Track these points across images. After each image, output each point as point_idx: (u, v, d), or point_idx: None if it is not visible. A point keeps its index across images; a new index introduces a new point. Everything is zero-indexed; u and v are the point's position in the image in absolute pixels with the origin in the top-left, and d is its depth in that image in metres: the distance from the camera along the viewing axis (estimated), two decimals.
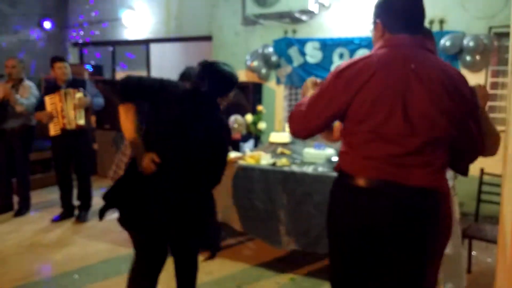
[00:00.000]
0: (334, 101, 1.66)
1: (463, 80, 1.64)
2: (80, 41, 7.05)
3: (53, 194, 5.33)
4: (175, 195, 2.15)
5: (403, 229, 1.63)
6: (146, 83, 2.21)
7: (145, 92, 2.17)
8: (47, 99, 4.39)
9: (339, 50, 4.69)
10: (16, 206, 4.82)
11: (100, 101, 4.62)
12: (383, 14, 1.72)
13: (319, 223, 3.49)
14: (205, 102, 2.21)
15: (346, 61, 1.72)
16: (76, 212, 4.67)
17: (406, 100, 1.57)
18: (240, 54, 5.54)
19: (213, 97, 2.23)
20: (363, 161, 1.66)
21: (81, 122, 4.38)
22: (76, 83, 4.52)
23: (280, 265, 3.48)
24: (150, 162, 2.11)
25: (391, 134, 1.60)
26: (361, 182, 1.65)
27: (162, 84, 2.20)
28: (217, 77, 2.22)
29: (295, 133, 1.82)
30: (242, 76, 5.59)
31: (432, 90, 1.56)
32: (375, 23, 1.75)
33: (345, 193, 1.72)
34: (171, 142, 2.15)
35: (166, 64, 6.82)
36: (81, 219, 4.56)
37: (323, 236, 3.44)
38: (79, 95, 4.37)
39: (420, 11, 1.68)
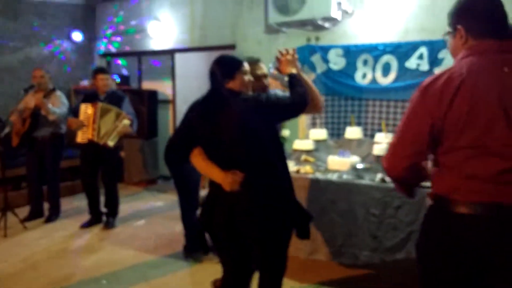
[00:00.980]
0: (427, 115, 1.51)
1: None
2: (108, 51, 7.23)
3: (81, 201, 5.47)
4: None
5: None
6: (177, 139, 2.42)
7: (185, 144, 2.33)
8: (83, 107, 4.51)
9: (363, 57, 4.66)
10: (46, 213, 4.95)
11: (135, 127, 4.68)
12: (465, 19, 1.58)
13: (343, 232, 3.47)
14: (222, 96, 2.20)
15: (428, 77, 1.57)
16: (104, 218, 4.77)
17: (506, 106, 1.42)
18: (263, 62, 5.57)
19: (224, 85, 2.21)
20: (464, 181, 1.50)
21: (111, 144, 4.48)
22: (115, 97, 4.63)
23: (302, 274, 3.46)
24: (232, 178, 2.13)
25: (495, 146, 1.44)
26: (462, 208, 1.48)
27: (185, 123, 2.35)
28: (216, 65, 2.26)
29: (389, 169, 1.65)
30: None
31: None
32: (455, 30, 1.61)
33: (443, 221, 1.55)
34: (220, 155, 2.20)
35: (190, 73, 6.92)
36: (109, 225, 4.66)
37: (347, 245, 3.42)
38: (127, 122, 4.49)
39: (503, 14, 1.56)
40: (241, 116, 2.12)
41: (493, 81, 1.46)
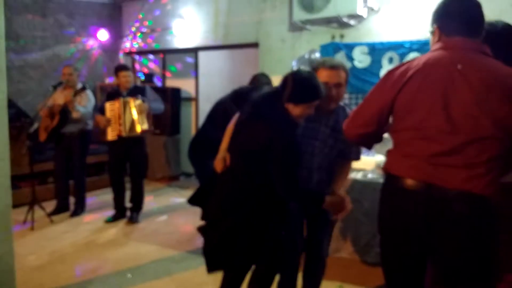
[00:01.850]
0: (381, 97, 1.73)
1: None
2: (133, 49, 7.32)
3: (106, 196, 5.56)
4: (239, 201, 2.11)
5: (441, 234, 1.60)
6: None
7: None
8: (108, 105, 4.60)
9: (388, 55, 4.60)
10: (72, 207, 5.05)
11: (158, 105, 4.81)
12: (439, 18, 1.74)
13: (368, 231, 3.43)
14: (273, 105, 2.12)
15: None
16: (128, 213, 4.84)
17: (448, 98, 1.58)
18: (286, 60, 5.56)
19: (292, 101, 2.10)
20: (404, 159, 1.68)
21: (145, 126, 4.57)
22: (137, 90, 4.75)
23: (327, 272, 3.44)
24: (221, 160, 2.25)
25: (431, 131, 1.60)
26: (403, 183, 1.66)
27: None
28: (302, 84, 2.12)
29: (346, 133, 1.89)
30: None
31: (478, 91, 1.55)
32: (433, 28, 1.78)
33: (390, 194, 1.75)
34: (234, 146, 2.25)
35: (214, 71, 6.95)
36: (133, 220, 4.73)
37: (372, 244, 3.38)
38: (138, 102, 4.56)
39: (476, 14, 1.68)
40: (269, 142, 2.03)
41: (442, 75, 1.60)
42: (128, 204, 4.87)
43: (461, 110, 1.56)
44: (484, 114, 1.54)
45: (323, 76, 2.27)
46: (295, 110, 2.11)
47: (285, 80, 2.14)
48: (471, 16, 1.68)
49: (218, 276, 3.37)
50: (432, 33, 1.79)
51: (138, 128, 4.53)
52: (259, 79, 3.80)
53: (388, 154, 1.80)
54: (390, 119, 1.79)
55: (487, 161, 1.56)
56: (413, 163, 1.65)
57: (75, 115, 4.68)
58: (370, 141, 1.91)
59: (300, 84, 2.10)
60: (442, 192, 1.57)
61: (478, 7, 1.68)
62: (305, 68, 2.35)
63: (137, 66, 7.35)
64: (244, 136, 2.16)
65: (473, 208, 1.56)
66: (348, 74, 2.37)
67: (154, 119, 5.34)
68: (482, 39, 1.68)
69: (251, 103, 2.21)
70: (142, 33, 7.17)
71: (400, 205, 1.68)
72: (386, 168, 1.78)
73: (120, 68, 4.72)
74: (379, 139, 1.93)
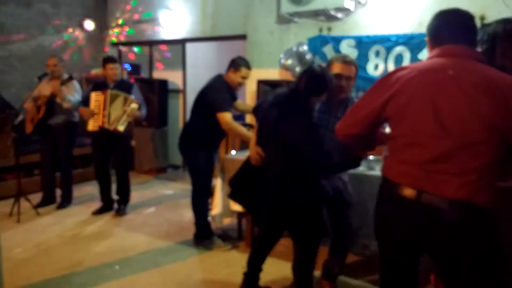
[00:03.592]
0: (373, 99, 1.75)
1: None
2: (119, 40, 7.25)
3: (92, 188, 5.53)
4: (276, 188, 2.54)
5: (434, 243, 1.62)
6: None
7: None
8: (93, 95, 4.55)
9: (375, 48, 4.64)
10: (58, 199, 5.02)
11: (144, 112, 4.74)
12: (431, 29, 1.78)
13: (354, 223, 3.46)
14: (299, 101, 2.51)
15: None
16: (115, 206, 4.83)
17: (439, 103, 1.58)
18: (274, 53, 5.57)
19: (307, 96, 2.51)
20: (399, 165, 1.69)
21: (121, 128, 4.50)
22: (124, 85, 4.68)
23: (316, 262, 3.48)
24: (255, 154, 2.66)
25: (422, 137, 1.61)
26: (396, 190, 1.68)
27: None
28: (313, 78, 2.51)
29: (336, 132, 1.90)
30: (276, 74, 5.62)
31: (469, 95, 1.54)
32: (426, 41, 1.83)
33: (385, 200, 1.78)
34: (267, 142, 2.62)
35: (201, 63, 6.92)
36: (120, 212, 4.72)
37: (358, 235, 3.42)
38: (135, 106, 4.52)
39: (467, 22, 1.71)
40: (297, 126, 2.48)
41: (434, 81, 1.61)
42: (115, 197, 4.85)
43: (453, 114, 1.56)
44: (476, 119, 1.53)
45: (337, 68, 2.67)
46: (315, 101, 2.54)
47: (300, 77, 2.54)
48: (461, 24, 1.70)
49: (207, 267, 3.41)
50: (427, 45, 1.82)
51: (119, 127, 4.48)
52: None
53: (385, 159, 1.82)
54: (388, 129, 1.81)
55: (480, 168, 1.54)
56: (406, 170, 1.65)
57: (65, 105, 4.63)
58: (359, 144, 1.92)
59: (314, 79, 2.50)
60: (434, 200, 1.57)
61: (467, 15, 1.71)
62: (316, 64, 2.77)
63: (123, 57, 7.28)
64: (277, 131, 2.50)
65: (465, 217, 1.55)
66: (358, 70, 2.77)
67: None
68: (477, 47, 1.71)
69: (277, 103, 2.56)
70: (128, 24, 7.09)
71: (393, 212, 1.70)
72: (383, 172, 1.79)
73: (107, 60, 4.66)
74: (369, 145, 1.95)
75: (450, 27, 1.70)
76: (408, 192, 1.63)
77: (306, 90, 2.49)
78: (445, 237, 1.58)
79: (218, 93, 3.59)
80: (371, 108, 1.74)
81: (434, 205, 1.57)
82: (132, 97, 4.54)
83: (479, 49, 1.69)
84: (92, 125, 4.57)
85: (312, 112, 2.61)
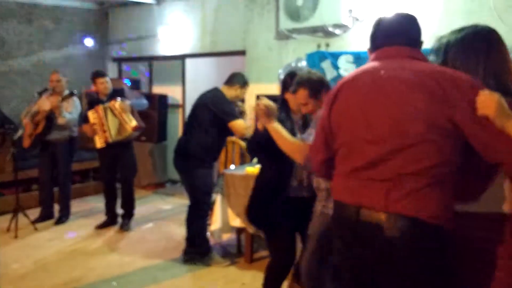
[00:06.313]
0: (322, 119, 1.68)
1: (459, 84, 1.39)
2: (119, 56, 7.30)
3: (91, 203, 5.52)
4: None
5: (383, 270, 1.44)
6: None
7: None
8: (90, 115, 4.58)
9: None
10: (56, 215, 4.99)
11: (141, 101, 4.79)
12: (369, 40, 1.71)
13: None
14: (281, 105, 2.63)
15: None
16: (119, 220, 4.81)
17: (368, 105, 1.49)
18: (273, 68, 5.60)
19: (283, 93, 2.67)
20: (336, 178, 1.60)
21: (133, 123, 4.50)
22: (115, 93, 4.75)
23: None
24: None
25: (356, 144, 1.50)
26: (337, 207, 1.59)
27: None
28: (288, 74, 2.70)
29: (312, 169, 1.89)
30: (275, 89, 5.64)
31: (401, 93, 1.44)
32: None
33: (333, 221, 1.66)
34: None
35: (200, 78, 6.96)
36: (124, 227, 4.70)
37: None
38: (117, 103, 4.53)
39: (400, 23, 1.63)
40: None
41: (365, 84, 1.53)
42: (119, 211, 4.84)
43: (382, 115, 1.44)
44: (410, 118, 1.40)
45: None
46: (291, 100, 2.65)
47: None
48: (397, 26, 1.62)
49: (205, 284, 3.38)
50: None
51: (128, 128, 4.48)
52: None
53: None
54: None
55: (420, 172, 1.37)
56: (342, 182, 1.54)
57: (60, 121, 4.65)
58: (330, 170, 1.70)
59: (288, 74, 2.73)
60: (373, 216, 1.40)
61: (406, 16, 1.64)
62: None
63: (123, 73, 7.33)
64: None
65: (409, 235, 1.35)
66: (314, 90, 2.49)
67: None
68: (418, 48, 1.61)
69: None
70: (128, 40, 7.15)
71: (339, 234, 1.58)
72: (331, 194, 1.69)
73: (96, 75, 4.68)
74: None
75: (384, 31, 1.63)
76: (348, 208, 1.48)
77: (282, 88, 2.67)
78: (389, 261, 1.39)
79: (223, 103, 3.60)
80: (322, 125, 1.66)
81: (373, 221, 1.39)
82: (118, 99, 4.55)
83: (436, 61, 1.62)
84: (99, 142, 4.58)
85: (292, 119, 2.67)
